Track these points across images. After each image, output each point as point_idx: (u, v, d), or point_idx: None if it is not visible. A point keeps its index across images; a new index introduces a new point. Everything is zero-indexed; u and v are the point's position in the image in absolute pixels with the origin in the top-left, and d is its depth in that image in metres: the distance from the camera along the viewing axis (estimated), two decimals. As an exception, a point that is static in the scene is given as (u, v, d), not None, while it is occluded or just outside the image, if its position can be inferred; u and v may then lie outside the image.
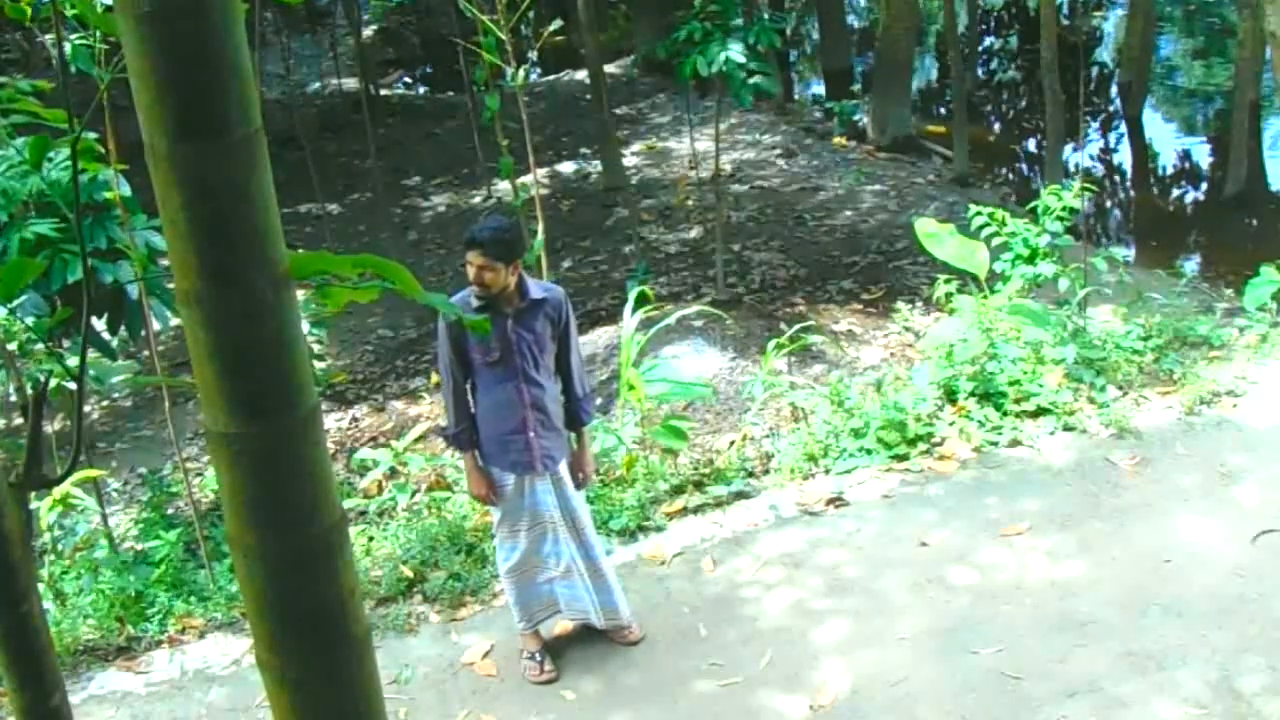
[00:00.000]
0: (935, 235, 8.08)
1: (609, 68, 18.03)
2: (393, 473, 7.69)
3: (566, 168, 15.95)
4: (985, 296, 7.61)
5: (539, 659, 5.49)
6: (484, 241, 4.88)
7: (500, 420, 5.18)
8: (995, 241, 8.03)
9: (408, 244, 13.97)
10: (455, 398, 5.20)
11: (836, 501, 6.56)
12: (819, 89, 21.21)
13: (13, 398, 7.91)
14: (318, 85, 20.98)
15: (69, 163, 5.71)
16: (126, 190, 6.13)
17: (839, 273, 11.76)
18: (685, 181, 14.62)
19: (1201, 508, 6.14)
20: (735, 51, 9.28)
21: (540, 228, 7.06)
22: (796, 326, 8.32)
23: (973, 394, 7.15)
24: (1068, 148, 14.13)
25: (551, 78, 20.66)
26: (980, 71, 20.85)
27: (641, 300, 7.53)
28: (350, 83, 19.63)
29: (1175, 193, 15.68)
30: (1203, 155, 16.33)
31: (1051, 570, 5.78)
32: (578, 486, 5.41)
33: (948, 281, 7.99)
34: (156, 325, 6.73)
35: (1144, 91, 17.52)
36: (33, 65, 22.09)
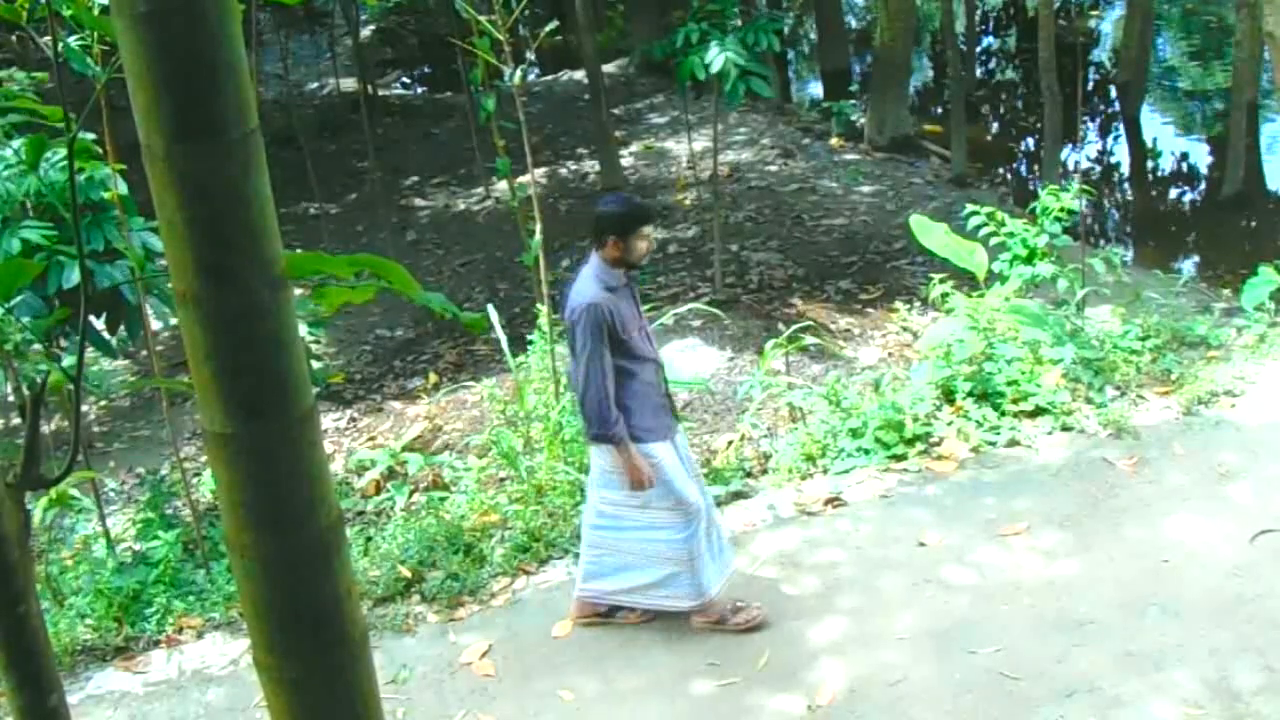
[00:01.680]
0: (929, 230, 8.08)
1: (607, 68, 18.02)
2: (390, 473, 7.70)
3: (564, 168, 15.95)
4: (981, 296, 7.61)
5: (742, 604, 5.63)
6: (655, 216, 5.02)
7: (652, 390, 5.37)
8: (993, 241, 8.04)
9: (405, 244, 13.96)
10: (609, 389, 5.17)
11: (834, 501, 6.57)
12: (817, 89, 21.20)
13: (10, 398, 7.90)
14: (315, 85, 20.98)
15: (66, 163, 5.72)
16: (124, 191, 6.13)
17: (837, 273, 11.76)
18: (683, 182, 14.62)
19: (1199, 508, 6.14)
20: (733, 53, 9.27)
21: (538, 228, 7.06)
22: (794, 326, 8.32)
23: (971, 394, 7.15)
24: (1066, 148, 14.14)
25: (549, 78, 20.65)
26: (978, 72, 20.84)
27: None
28: (348, 83, 19.62)
29: (1173, 193, 15.69)
30: (1200, 156, 16.33)
31: (1049, 570, 5.78)
32: None
33: (943, 281, 7.99)
34: (157, 325, 6.73)
35: (1142, 92, 17.53)
36: (29, 66, 22.09)
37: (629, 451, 5.23)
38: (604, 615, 5.75)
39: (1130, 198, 15.72)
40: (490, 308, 7.85)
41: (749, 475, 6.95)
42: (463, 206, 15.14)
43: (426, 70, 24.21)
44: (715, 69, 9.27)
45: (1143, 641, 5.20)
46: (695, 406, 8.67)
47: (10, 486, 1.95)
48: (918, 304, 9.79)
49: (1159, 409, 7.09)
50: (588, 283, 5.20)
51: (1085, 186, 8.26)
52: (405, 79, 23.50)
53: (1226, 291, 9.47)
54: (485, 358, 10.66)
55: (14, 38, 15.50)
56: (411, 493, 7.32)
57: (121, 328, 6.87)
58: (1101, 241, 13.47)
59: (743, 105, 13.44)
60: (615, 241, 5.18)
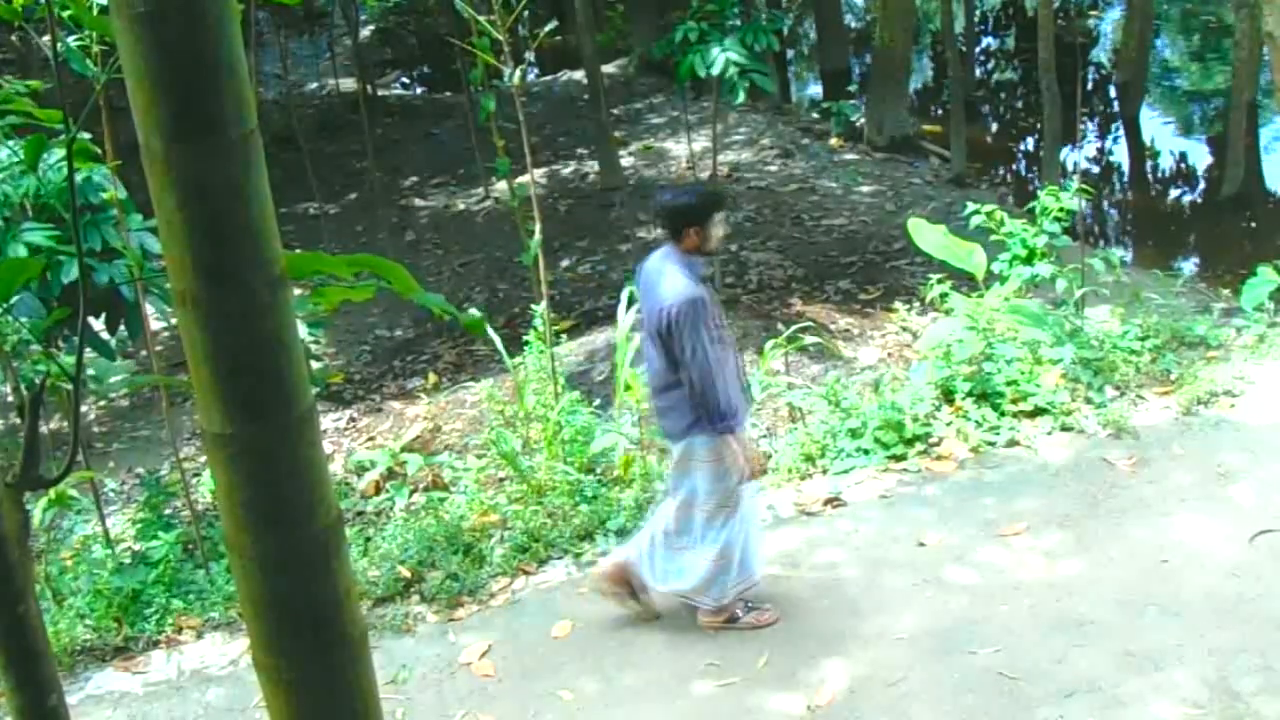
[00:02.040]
0: (927, 232, 8.08)
1: (606, 68, 18.02)
2: (390, 473, 7.69)
3: (564, 168, 15.95)
4: (981, 296, 7.61)
5: (765, 606, 5.65)
6: (726, 201, 5.07)
7: (736, 380, 5.28)
8: (992, 241, 8.04)
9: (405, 244, 13.97)
10: (718, 377, 5.08)
11: (834, 502, 6.56)
12: (816, 89, 21.20)
13: (9, 398, 7.90)
14: (315, 85, 20.97)
15: (65, 163, 5.72)
16: (122, 191, 6.13)
17: (836, 273, 11.77)
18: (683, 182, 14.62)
19: (1199, 508, 6.14)
20: (733, 52, 9.27)
21: (537, 228, 7.06)
22: (794, 327, 8.32)
23: (970, 394, 7.15)
24: (1065, 148, 14.13)
25: (549, 78, 20.65)
26: (978, 72, 20.85)
27: (634, 302, 7.52)
28: (347, 83, 19.61)
29: (1172, 193, 15.69)
30: (1200, 156, 16.33)
31: (1049, 570, 5.78)
32: None
33: (941, 282, 7.99)
34: (157, 325, 6.73)
35: (1141, 92, 17.53)
36: (29, 66, 22.09)
37: (740, 442, 5.19)
38: (630, 591, 5.66)
39: (1129, 198, 15.72)
40: (474, 312, 7.83)
41: (748, 475, 6.93)
42: (462, 207, 15.14)
43: (426, 70, 24.21)
44: (715, 70, 9.27)
45: (1142, 641, 5.20)
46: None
47: (9, 486, 1.95)
48: (917, 304, 9.79)
49: (1158, 409, 7.09)
50: (678, 277, 5.07)
51: (1084, 186, 8.25)
52: (404, 79, 23.49)
53: (1226, 291, 9.47)
54: (485, 358, 10.66)
55: (14, 38, 15.50)
56: (411, 493, 7.32)
57: (120, 328, 6.87)
58: (1101, 241, 13.48)
59: (742, 105, 13.42)
60: (696, 231, 5.12)
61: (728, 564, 5.42)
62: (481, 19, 6.83)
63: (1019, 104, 19.68)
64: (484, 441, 7.42)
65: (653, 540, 5.52)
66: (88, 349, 6.55)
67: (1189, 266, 12.85)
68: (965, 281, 8.06)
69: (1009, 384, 7.20)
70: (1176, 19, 22.61)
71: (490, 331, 7.41)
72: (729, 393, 5.13)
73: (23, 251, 5.95)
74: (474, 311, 7.66)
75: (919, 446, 6.90)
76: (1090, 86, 19.55)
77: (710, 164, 11.66)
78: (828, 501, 6.56)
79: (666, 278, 5.10)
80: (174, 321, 7.52)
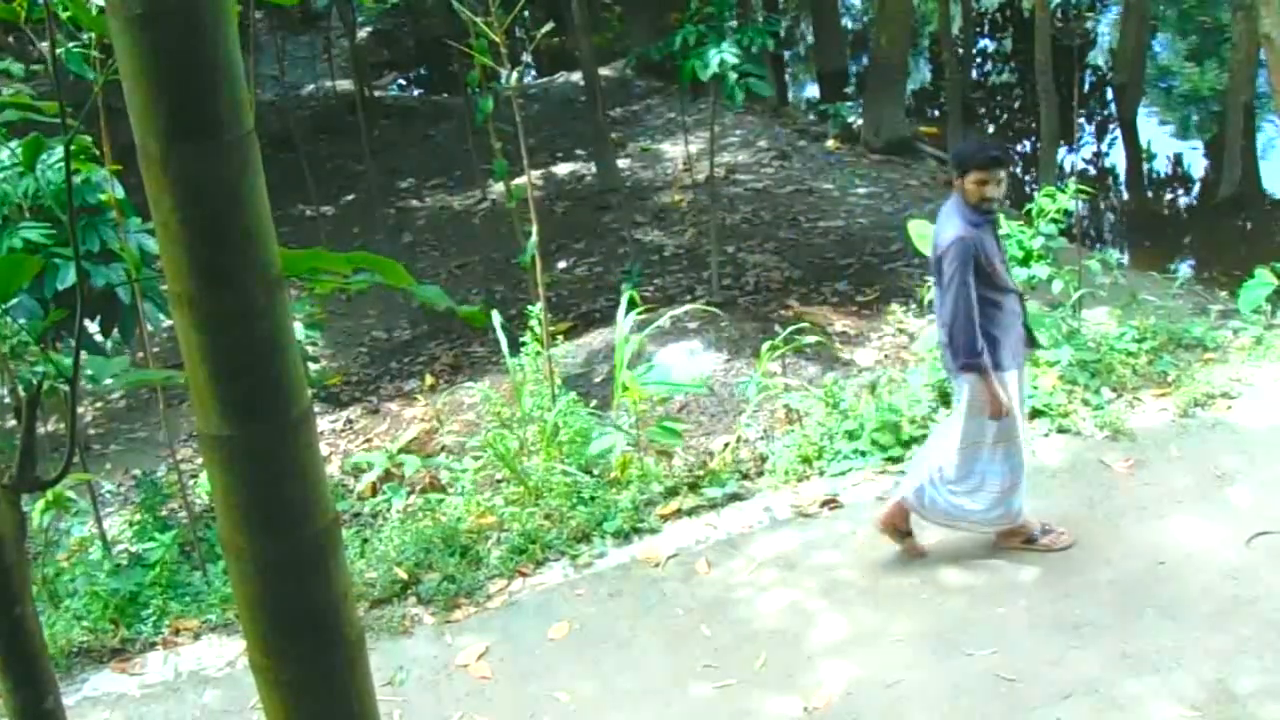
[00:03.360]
0: (927, 236, 8.08)
1: (603, 70, 18.00)
2: (387, 475, 7.69)
3: (561, 170, 15.95)
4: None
5: (1049, 527, 5.96)
6: (1007, 159, 5.38)
7: (1012, 322, 5.59)
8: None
9: (402, 246, 13.95)
10: (976, 320, 5.41)
11: (831, 503, 6.56)
12: (813, 91, 21.21)
13: (6, 399, 7.89)
14: (312, 87, 20.95)
15: (63, 164, 5.71)
16: (120, 192, 6.12)
17: (833, 275, 11.76)
18: (680, 184, 14.62)
19: (1196, 510, 6.14)
20: (730, 54, 9.28)
21: (534, 230, 7.06)
22: (791, 328, 8.32)
23: (967, 396, 7.14)
24: (1062, 150, 14.15)
25: (546, 80, 20.64)
26: (975, 74, 20.86)
27: (632, 304, 7.53)
28: (345, 85, 19.60)
29: (1169, 195, 15.71)
30: (1197, 158, 16.36)
31: (1046, 572, 5.78)
32: None
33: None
34: (149, 327, 6.72)
35: (1138, 94, 17.55)
36: (28, 66, 22.04)
37: (990, 381, 5.45)
38: (902, 533, 5.99)
39: (1126, 199, 15.74)
40: (494, 312, 7.83)
41: (745, 477, 6.94)
42: (459, 208, 15.14)
43: (423, 72, 24.21)
44: (712, 70, 9.27)
45: (1140, 643, 5.20)
46: (692, 408, 8.66)
47: (6, 488, 1.95)
48: (914, 306, 9.79)
49: (1155, 411, 7.09)
50: (951, 218, 5.48)
51: (1081, 188, 8.25)
52: (402, 81, 23.49)
53: (1223, 294, 9.48)
54: (482, 359, 10.66)
55: (11, 39, 15.50)
56: (408, 495, 7.32)
57: (115, 330, 6.86)
58: (1098, 243, 13.49)
59: (740, 108, 13.43)
60: (960, 181, 5.49)
61: (1014, 487, 5.71)
62: (479, 21, 6.84)
63: (1016, 105, 19.70)
64: (481, 443, 7.42)
65: (932, 481, 5.79)
66: (82, 352, 6.53)
67: (1186, 268, 12.86)
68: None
69: (1006, 386, 7.20)
70: (1174, 20, 22.63)
71: (496, 321, 7.39)
72: (996, 335, 5.48)
73: (20, 246, 5.94)
74: (495, 313, 7.64)
75: (916, 448, 6.90)
76: (1087, 88, 19.57)
77: (707, 165, 11.65)
78: (825, 503, 6.56)
79: (942, 221, 5.56)
80: (167, 324, 7.53)
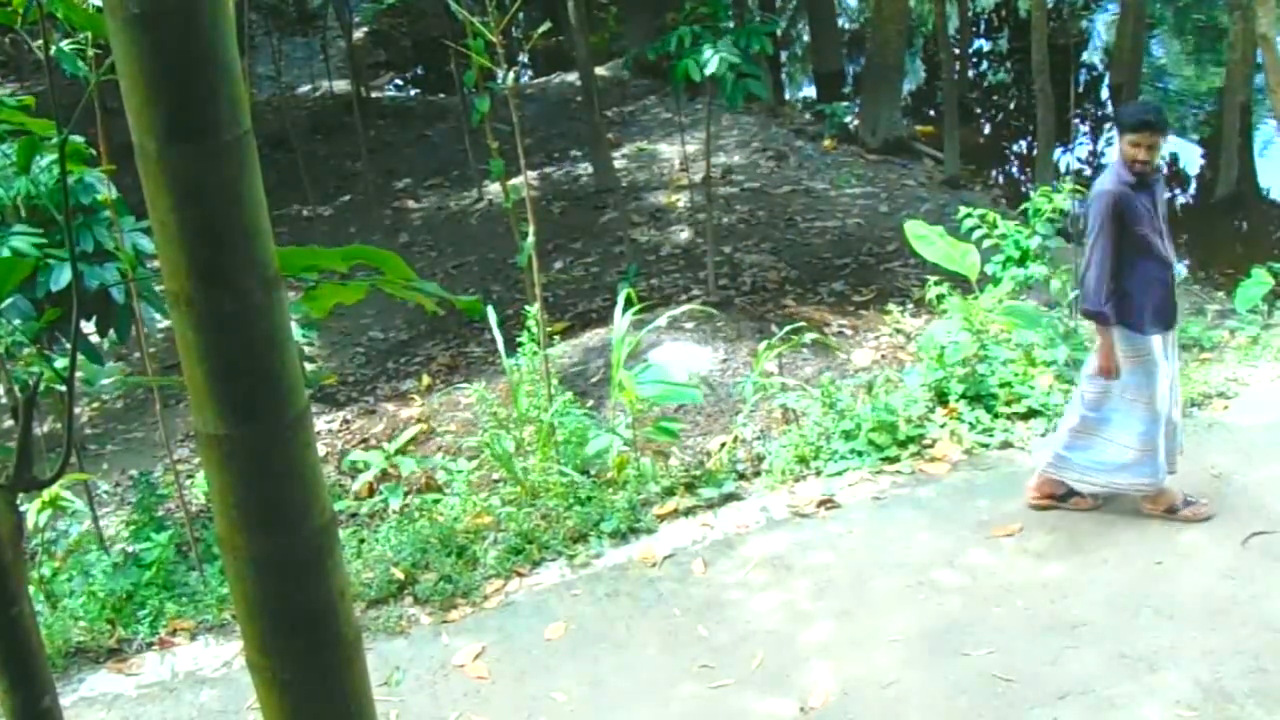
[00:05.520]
0: (925, 237, 8.10)
1: (600, 70, 18.01)
2: (384, 475, 7.69)
3: (557, 170, 15.95)
4: (975, 298, 7.62)
5: (1192, 499, 6.03)
6: (1159, 123, 5.60)
7: (1159, 285, 5.75)
8: (986, 244, 8.05)
9: (398, 246, 13.94)
10: (1111, 273, 5.61)
11: (827, 503, 6.56)
12: (810, 91, 21.21)
13: (2, 400, 7.89)
14: (308, 87, 20.94)
15: (57, 165, 5.70)
16: (115, 193, 6.11)
17: (830, 275, 11.77)
18: (676, 184, 14.62)
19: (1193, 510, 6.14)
20: (727, 54, 9.27)
21: (531, 230, 7.06)
22: (787, 328, 8.33)
23: (964, 396, 7.16)
24: (1058, 149, 14.16)
25: (542, 80, 20.64)
26: (971, 73, 20.88)
27: (628, 303, 7.53)
28: (341, 85, 19.60)
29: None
30: (1193, 157, 16.36)
31: (1042, 572, 5.79)
32: None
33: (938, 284, 8.00)
34: (145, 327, 6.71)
35: (1135, 93, 17.51)
36: (22, 69, 22.06)
37: (1109, 336, 5.67)
38: (1059, 498, 6.16)
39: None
40: (490, 309, 7.82)
41: (742, 477, 6.94)
42: (456, 208, 15.13)
43: (419, 72, 24.18)
44: (710, 71, 9.27)
45: (1136, 643, 5.21)
46: (688, 408, 8.66)
47: (3, 488, 1.95)
48: (911, 306, 9.80)
49: (1151, 411, 7.09)
50: (1108, 174, 5.73)
51: (1078, 188, 8.26)
52: (398, 81, 23.47)
53: (1219, 293, 9.49)
54: (478, 359, 10.66)
55: (7, 40, 15.49)
56: (405, 495, 7.31)
57: (111, 330, 6.85)
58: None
59: (736, 108, 13.42)
60: (1125, 139, 5.70)
61: (1153, 451, 5.79)
62: (475, 21, 6.83)
63: (1012, 105, 19.70)
64: (478, 443, 7.42)
65: (1065, 443, 5.98)
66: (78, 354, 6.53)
67: (1182, 268, 12.84)
68: (959, 283, 8.07)
69: (1002, 386, 7.21)
70: (1170, 20, 22.65)
71: (492, 320, 7.38)
72: (1134, 294, 5.65)
73: (7, 254, 5.92)
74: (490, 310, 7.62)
75: (912, 448, 6.90)
76: (1083, 88, 19.57)
77: (703, 166, 11.65)
78: (821, 503, 6.56)
79: (1103, 174, 5.81)
80: (163, 324, 7.53)
